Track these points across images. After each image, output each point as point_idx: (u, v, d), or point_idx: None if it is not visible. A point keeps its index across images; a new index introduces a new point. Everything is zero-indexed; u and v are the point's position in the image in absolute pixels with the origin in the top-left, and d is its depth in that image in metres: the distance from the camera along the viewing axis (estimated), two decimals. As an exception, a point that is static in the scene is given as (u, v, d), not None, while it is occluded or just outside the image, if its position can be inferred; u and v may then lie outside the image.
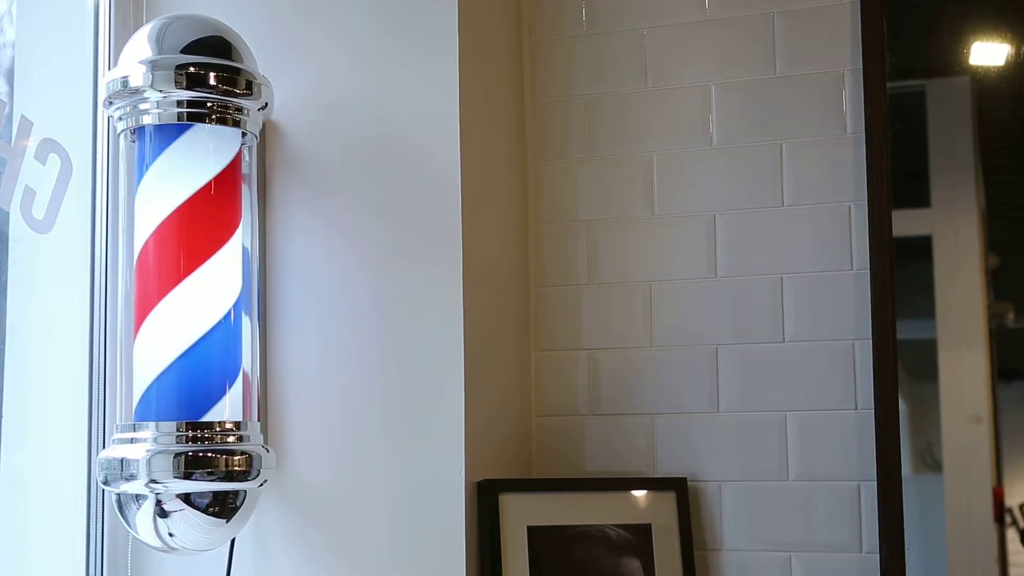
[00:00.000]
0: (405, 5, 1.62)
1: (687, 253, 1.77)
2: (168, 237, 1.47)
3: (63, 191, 1.54)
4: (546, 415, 1.81)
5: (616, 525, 1.66)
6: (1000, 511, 1.69)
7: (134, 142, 1.50)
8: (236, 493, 1.47)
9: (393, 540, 1.56)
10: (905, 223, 1.69)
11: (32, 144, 1.51)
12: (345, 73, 1.63)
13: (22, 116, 1.52)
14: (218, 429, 1.45)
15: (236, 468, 1.44)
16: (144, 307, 1.47)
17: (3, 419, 1.56)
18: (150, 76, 1.44)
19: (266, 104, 1.52)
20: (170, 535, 1.45)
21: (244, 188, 1.55)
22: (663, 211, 1.79)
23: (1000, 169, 1.77)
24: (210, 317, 1.48)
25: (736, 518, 1.71)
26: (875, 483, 1.64)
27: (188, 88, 1.44)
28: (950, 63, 1.77)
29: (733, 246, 1.75)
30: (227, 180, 1.51)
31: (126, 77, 1.45)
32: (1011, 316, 1.72)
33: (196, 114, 1.46)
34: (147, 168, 1.48)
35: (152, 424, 1.43)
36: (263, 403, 1.59)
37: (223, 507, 1.46)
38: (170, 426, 1.43)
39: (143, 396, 1.46)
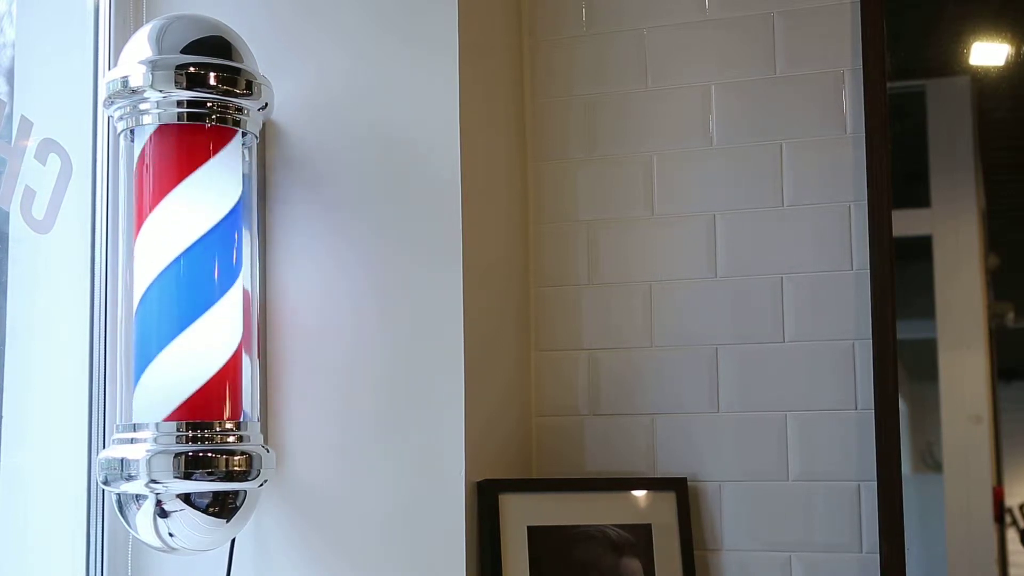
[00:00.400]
0: (405, 5, 1.62)
1: (687, 253, 1.76)
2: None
3: (63, 191, 1.54)
4: (546, 415, 1.81)
5: (616, 525, 1.65)
6: (1000, 511, 1.69)
7: (134, 142, 1.50)
8: (236, 493, 1.47)
9: (393, 540, 1.56)
10: (905, 223, 1.69)
11: (32, 144, 1.51)
12: (345, 73, 1.63)
13: (22, 116, 1.52)
14: (218, 429, 1.44)
15: (236, 468, 1.44)
16: (144, 307, 1.47)
17: (3, 419, 1.56)
18: (150, 76, 1.44)
19: (266, 104, 1.52)
20: (170, 535, 1.45)
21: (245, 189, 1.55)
22: (663, 211, 1.79)
23: (1000, 169, 1.77)
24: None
25: (736, 518, 1.71)
26: (875, 483, 1.64)
27: (188, 88, 1.44)
28: (950, 63, 1.77)
29: (733, 246, 1.74)
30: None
31: (126, 77, 1.45)
32: (1011, 316, 1.72)
33: (196, 114, 1.46)
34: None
35: (152, 424, 1.43)
36: (263, 403, 1.59)
37: (223, 507, 1.46)
38: (170, 426, 1.43)
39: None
